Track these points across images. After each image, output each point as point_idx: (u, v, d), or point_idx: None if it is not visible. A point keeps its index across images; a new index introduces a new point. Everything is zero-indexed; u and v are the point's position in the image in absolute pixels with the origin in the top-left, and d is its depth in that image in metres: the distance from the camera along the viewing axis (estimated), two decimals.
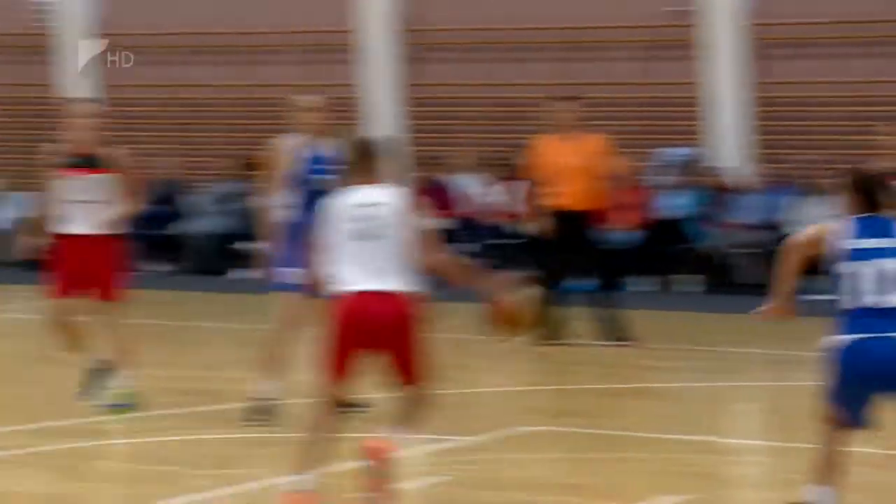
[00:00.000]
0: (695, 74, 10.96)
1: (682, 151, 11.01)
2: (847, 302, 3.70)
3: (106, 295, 5.33)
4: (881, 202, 3.88)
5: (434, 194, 10.38)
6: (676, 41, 11.07)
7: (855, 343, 3.67)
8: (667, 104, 11.17)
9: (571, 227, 7.60)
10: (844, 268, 3.73)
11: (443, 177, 11.22)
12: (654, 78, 11.19)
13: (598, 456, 4.88)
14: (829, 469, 3.71)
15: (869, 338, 3.67)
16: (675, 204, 10.60)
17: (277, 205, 5.31)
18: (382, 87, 11.58)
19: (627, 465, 4.77)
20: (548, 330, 7.47)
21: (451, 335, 7.48)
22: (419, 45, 11.63)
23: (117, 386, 5.30)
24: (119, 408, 5.29)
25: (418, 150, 11.18)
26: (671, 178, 10.72)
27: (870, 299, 3.69)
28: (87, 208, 5.32)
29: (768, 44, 10.91)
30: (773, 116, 10.74)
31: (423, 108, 11.60)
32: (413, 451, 4.40)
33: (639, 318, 7.97)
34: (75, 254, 5.29)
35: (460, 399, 5.81)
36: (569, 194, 7.54)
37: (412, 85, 11.61)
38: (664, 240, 10.43)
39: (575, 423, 5.57)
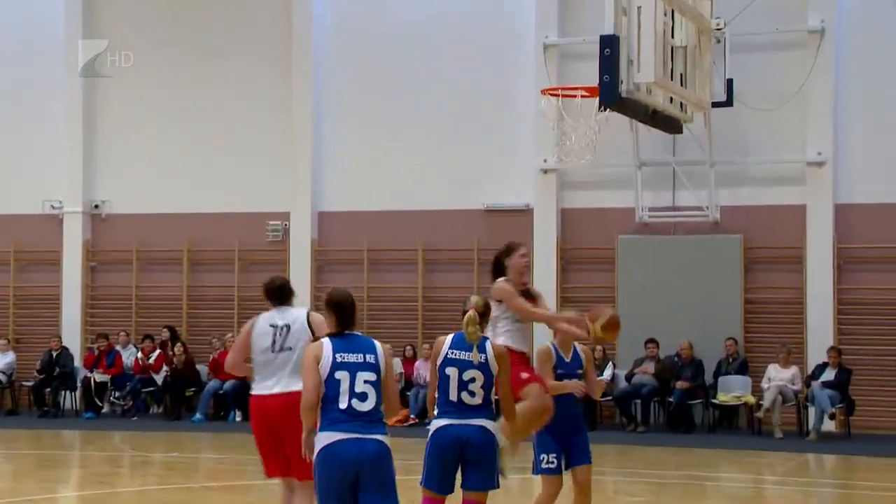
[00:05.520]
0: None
1: None
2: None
3: None
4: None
5: (105, 357, 19.71)
6: (271, 259, 20.58)
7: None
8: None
9: None
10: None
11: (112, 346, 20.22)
12: (254, 282, 20.17)
13: None
14: None
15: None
16: None
17: None
18: None
19: None
20: None
21: (103, 453, 14.59)
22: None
23: None
24: None
25: None
26: None
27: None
28: None
29: (324, 263, 20.49)
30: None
31: None
32: None
33: None
34: None
35: (107, 497, 11.43)
36: None
37: None
38: None
39: None
